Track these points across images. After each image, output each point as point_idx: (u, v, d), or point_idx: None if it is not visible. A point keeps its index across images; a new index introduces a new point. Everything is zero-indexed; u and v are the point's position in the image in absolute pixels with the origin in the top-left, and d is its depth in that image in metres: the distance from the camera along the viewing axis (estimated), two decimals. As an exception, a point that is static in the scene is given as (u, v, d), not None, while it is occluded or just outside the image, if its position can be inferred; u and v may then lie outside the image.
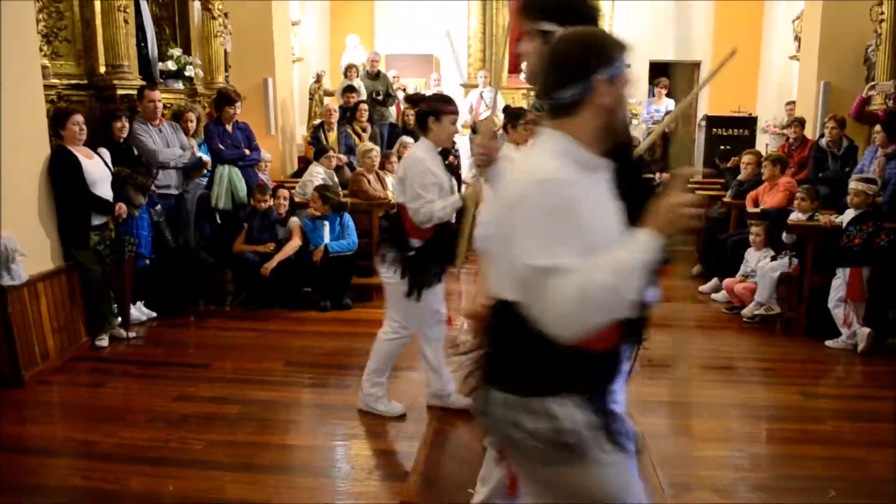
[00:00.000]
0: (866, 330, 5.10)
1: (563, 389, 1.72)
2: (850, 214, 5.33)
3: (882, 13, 6.82)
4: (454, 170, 4.21)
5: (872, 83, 6.77)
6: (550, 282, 1.60)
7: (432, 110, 3.76)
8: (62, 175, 4.93)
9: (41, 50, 5.22)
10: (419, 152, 3.78)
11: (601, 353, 1.74)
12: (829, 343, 5.25)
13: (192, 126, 6.40)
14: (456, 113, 3.81)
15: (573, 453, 1.71)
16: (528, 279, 1.63)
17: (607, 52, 1.72)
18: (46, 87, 5.11)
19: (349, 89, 8.92)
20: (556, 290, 1.59)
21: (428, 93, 10.18)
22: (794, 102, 9.08)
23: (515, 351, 1.75)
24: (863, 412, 4.14)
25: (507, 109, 4.81)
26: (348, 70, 10.08)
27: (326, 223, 6.28)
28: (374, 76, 10.08)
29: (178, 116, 6.40)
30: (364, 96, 9.33)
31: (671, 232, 1.66)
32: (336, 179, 7.20)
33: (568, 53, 1.74)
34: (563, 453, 1.72)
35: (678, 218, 1.66)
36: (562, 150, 1.73)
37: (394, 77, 10.99)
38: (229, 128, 6.65)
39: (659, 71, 11.76)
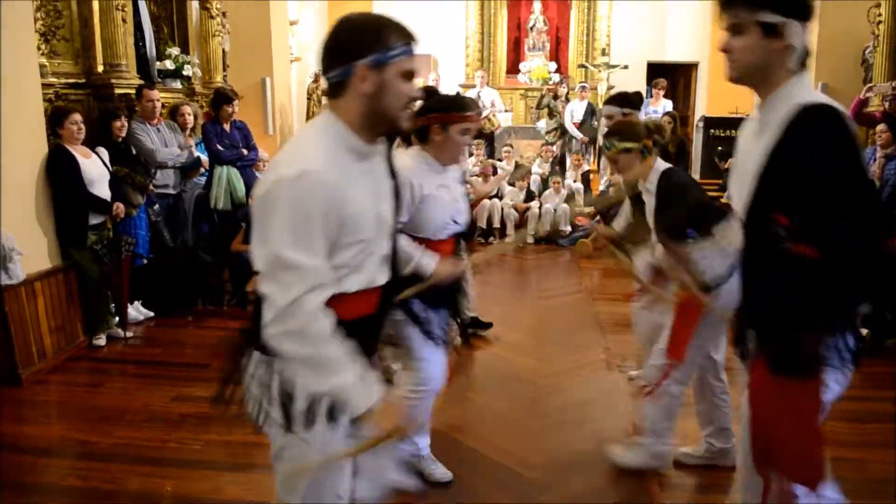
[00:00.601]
0: (864, 331, 5.10)
1: None
2: (847, 215, 5.34)
3: (879, 15, 6.83)
4: None
5: (870, 85, 6.78)
6: (285, 277, 1.64)
7: None
8: (60, 174, 4.93)
9: (39, 48, 5.21)
10: None
11: (350, 323, 1.76)
12: (826, 344, 5.24)
13: (189, 120, 6.37)
14: None
15: (281, 418, 1.77)
16: (271, 263, 1.65)
17: (378, 37, 1.70)
18: (44, 85, 5.11)
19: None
20: (285, 291, 1.64)
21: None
22: (791, 103, 9.09)
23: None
24: (861, 413, 4.13)
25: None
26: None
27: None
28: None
29: (174, 113, 6.38)
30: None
31: (376, 424, 1.71)
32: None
33: (338, 35, 1.75)
34: (277, 414, 1.77)
35: (389, 424, 1.71)
36: (332, 133, 1.75)
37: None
38: (227, 127, 6.63)
39: (657, 71, 11.78)
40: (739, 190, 2.02)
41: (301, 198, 1.63)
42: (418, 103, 2.57)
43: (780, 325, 1.90)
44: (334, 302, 1.71)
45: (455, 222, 2.99)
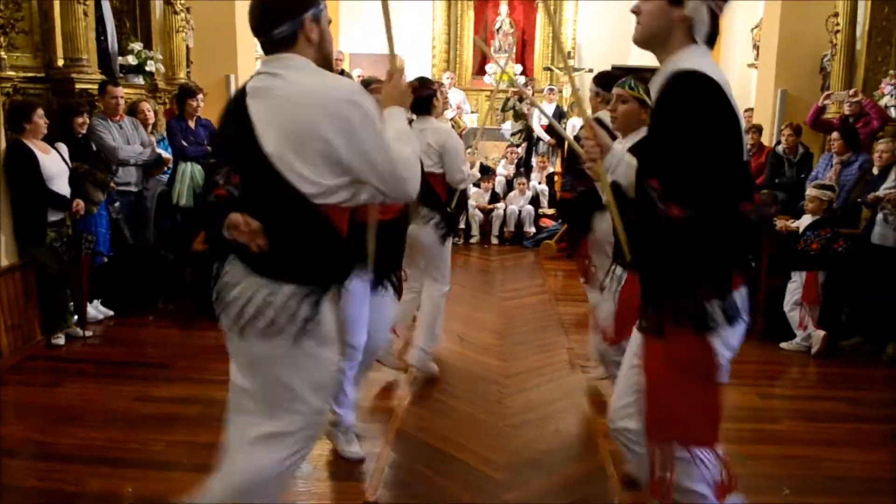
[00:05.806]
0: (821, 332, 5.23)
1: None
2: (807, 220, 5.46)
3: (837, 24, 6.99)
4: None
5: (828, 92, 6.94)
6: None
7: (433, 92, 4.26)
8: (18, 170, 4.82)
9: (-3, 41, 5.09)
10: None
11: None
12: (784, 345, 5.37)
13: (149, 117, 6.28)
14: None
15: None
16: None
17: None
18: (2, 79, 4.98)
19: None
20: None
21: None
22: (751, 109, 9.26)
23: None
24: (816, 412, 4.25)
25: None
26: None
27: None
28: (338, 75, 10.03)
29: (133, 110, 6.27)
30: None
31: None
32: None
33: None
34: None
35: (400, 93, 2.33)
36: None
37: (358, 76, 10.95)
38: (192, 124, 6.56)
39: (621, 76, 11.91)
40: None
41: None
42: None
43: (664, 287, 1.96)
44: None
45: None
